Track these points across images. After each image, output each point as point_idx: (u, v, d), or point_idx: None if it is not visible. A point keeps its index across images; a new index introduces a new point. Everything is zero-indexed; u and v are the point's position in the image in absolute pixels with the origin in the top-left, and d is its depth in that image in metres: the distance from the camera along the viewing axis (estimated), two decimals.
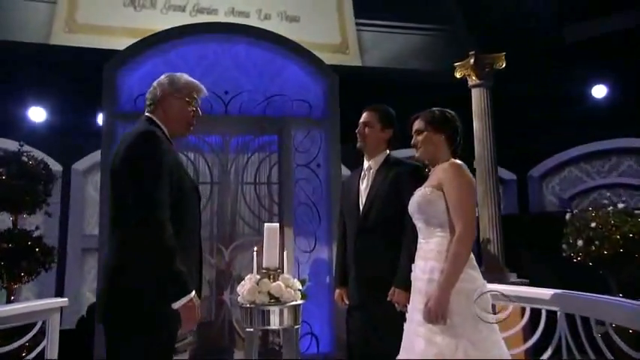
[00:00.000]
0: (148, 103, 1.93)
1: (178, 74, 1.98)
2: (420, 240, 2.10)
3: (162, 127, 1.88)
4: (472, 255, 2.00)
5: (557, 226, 5.88)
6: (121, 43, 5.72)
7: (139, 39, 4.26)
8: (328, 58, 5.47)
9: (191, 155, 4.31)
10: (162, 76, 1.97)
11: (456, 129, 2.17)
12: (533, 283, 4.07)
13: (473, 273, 1.98)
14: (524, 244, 5.82)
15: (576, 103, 6.78)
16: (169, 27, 4.43)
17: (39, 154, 4.11)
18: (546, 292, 2.26)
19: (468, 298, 1.91)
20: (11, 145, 4.44)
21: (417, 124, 2.20)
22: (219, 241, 4.26)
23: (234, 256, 4.27)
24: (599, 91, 6.83)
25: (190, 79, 2.00)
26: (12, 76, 5.86)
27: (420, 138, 2.16)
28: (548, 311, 2.29)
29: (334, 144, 4.41)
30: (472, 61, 4.31)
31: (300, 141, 4.42)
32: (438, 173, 2.08)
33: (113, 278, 1.68)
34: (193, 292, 1.69)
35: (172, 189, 1.73)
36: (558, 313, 2.20)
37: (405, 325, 2.07)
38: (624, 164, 6.88)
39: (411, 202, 2.13)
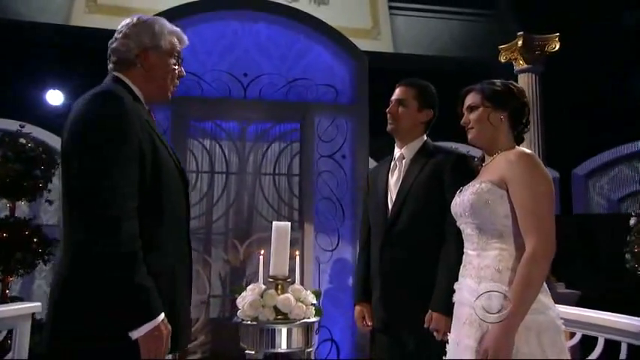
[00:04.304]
0: (114, 59, 1.46)
1: (155, 20, 1.51)
2: (469, 252, 1.61)
3: (136, 90, 1.45)
4: None
5: (607, 230, 5.34)
6: None
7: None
8: (358, 44, 5.07)
9: (206, 142, 4.00)
10: (132, 21, 1.49)
11: (522, 106, 1.66)
12: (584, 296, 3.61)
13: (545, 300, 1.49)
14: (567, 250, 5.29)
15: (630, 95, 6.15)
16: None
17: (42, 136, 3.85)
18: (635, 323, 1.76)
19: (539, 334, 1.43)
20: (28, 128, 4.19)
21: (471, 99, 1.69)
22: (233, 236, 3.94)
23: (249, 252, 3.95)
24: None
25: (171, 26, 1.53)
26: (31, 58, 5.70)
27: (473, 116, 1.66)
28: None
29: (362, 133, 4.02)
30: (520, 42, 3.84)
31: (324, 129, 4.05)
32: (501, 165, 1.58)
33: (59, 297, 1.28)
34: (161, 316, 1.25)
35: (145, 168, 1.31)
36: None
37: None
38: None
39: (458, 200, 1.64)
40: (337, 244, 3.96)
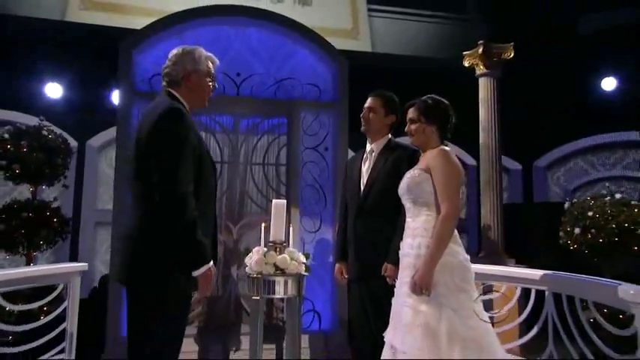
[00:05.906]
0: (167, 79, 1.99)
1: (195, 49, 2.03)
2: (408, 219, 2.27)
3: (184, 102, 1.97)
4: (456, 231, 2.18)
5: (559, 216, 5.98)
6: (135, 22, 5.85)
7: (155, 19, 4.36)
8: (339, 44, 5.51)
9: (202, 134, 4.42)
10: (179, 51, 2.01)
11: (448, 120, 2.31)
12: None
13: (456, 248, 2.16)
14: (526, 233, 5.92)
15: (585, 95, 6.79)
16: (183, 8, 4.52)
17: (57, 129, 4.24)
18: (535, 273, 2.41)
19: (451, 270, 2.10)
20: (29, 119, 4.61)
21: (411, 114, 2.34)
22: (227, 219, 4.39)
23: (241, 233, 4.40)
24: (609, 84, 6.82)
25: (207, 53, 2.06)
26: (29, 52, 5.98)
27: (413, 127, 2.31)
28: (536, 291, 2.44)
29: (342, 128, 4.50)
30: (480, 50, 4.37)
31: (308, 124, 4.51)
32: (427, 158, 2.27)
33: (138, 244, 1.81)
34: (211, 262, 1.85)
35: (194, 164, 1.84)
36: (546, 293, 2.34)
37: (393, 299, 2.23)
38: (630, 157, 6.91)
39: (401, 184, 2.30)
40: (319, 227, 4.45)
